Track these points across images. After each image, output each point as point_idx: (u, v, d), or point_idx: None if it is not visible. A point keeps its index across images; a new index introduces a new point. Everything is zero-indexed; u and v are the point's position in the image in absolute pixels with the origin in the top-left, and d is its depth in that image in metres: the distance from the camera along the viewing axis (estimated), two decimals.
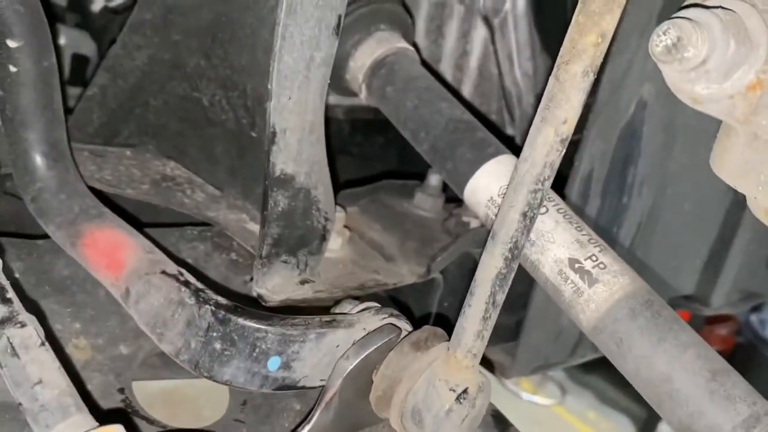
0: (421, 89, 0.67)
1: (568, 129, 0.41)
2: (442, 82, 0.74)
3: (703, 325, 2.06)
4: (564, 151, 0.43)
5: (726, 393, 0.47)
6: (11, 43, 0.55)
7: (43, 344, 0.42)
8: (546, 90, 0.41)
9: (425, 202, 0.86)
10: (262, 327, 0.49)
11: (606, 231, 0.84)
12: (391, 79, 0.69)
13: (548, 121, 0.41)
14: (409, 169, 0.99)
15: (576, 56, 0.39)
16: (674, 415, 0.49)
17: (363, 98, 0.73)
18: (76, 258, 0.59)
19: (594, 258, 0.55)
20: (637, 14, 0.71)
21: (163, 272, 0.53)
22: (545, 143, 0.41)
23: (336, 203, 0.76)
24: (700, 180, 0.91)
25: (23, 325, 0.42)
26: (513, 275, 0.47)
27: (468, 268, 0.83)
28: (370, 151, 1.14)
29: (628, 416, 4.51)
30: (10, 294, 0.44)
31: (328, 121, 0.66)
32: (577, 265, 0.55)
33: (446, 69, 0.95)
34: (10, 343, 0.40)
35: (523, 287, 0.86)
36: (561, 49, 0.40)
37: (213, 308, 0.50)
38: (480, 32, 0.92)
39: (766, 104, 0.39)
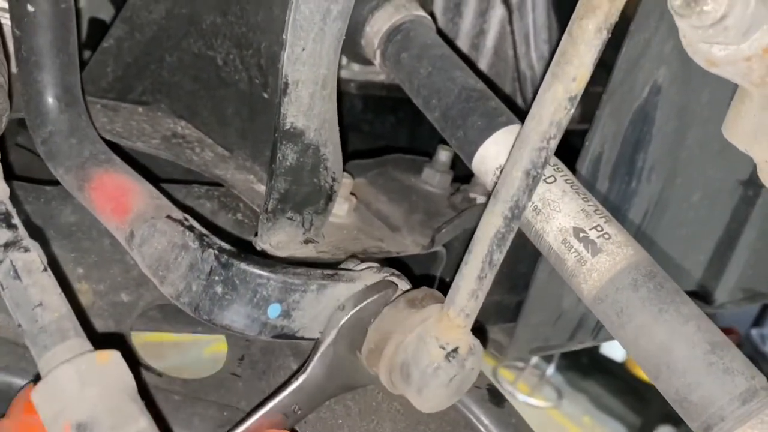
0: (435, 57, 0.67)
1: (577, 87, 0.41)
2: (459, 55, 0.74)
3: None
4: (573, 110, 0.43)
5: (724, 366, 0.47)
6: None
7: (45, 270, 0.42)
8: (559, 46, 0.41)
9: (433, 178, 0.86)
10: (264, 273, 0.49)
11: (613, 215, 0.84)
12: (406, 45, 0.68)
13: (558, 77, 0.41)
14: (419, 148, 0.99)
15: (590, 11, 0.39)
16: (671, 386, 0.49)
17: (377, 65, 0.73)
18: (83, 202, 0.59)
19: (599, 228, 0.54)
20: None
21: (169, 217, 0.53)
22: (553, 100, 0.41)
23: (344, 171, 0.76)
24: (710, 172, 0.91)
25: (27, 250, 0.42)
26: (512, 236, 0.47)
27: None
28: (381, 130, 1.14)
29: (623, 424, 4.50)
30: (15, 220, 0.44)
31: (340, 95, 0.66)
32: (581, 235, 0.54)
33: (462, 48, 0.95)
34: (13, 266, 0.41)
35: (526, 267, 0.86)
36: (577, 3, 0.40)
37: (216, 252, 0.50)
38: (498, 12, 0.92)
39: None
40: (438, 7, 0.93)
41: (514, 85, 0.97)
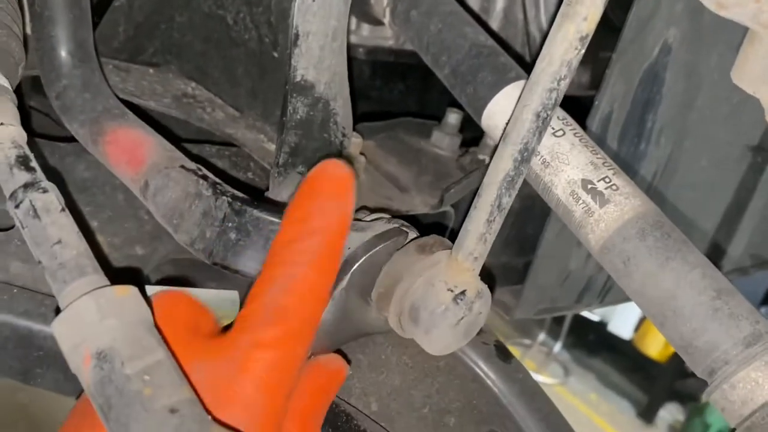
0: (445, 13, 0.67)
1: (588, 27, 0.42)
2: (469, 11, 0.74)
3: None
4: (583, 51, 0.43)
5: (729, 311, 0.48)
6: None
7: (63, 210, 0.43)
8: None
9: (442, 141, 0.86)
10: (277, 220, 0.50)
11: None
12: (415, 2, 0.69)
13: (569, 16, 0.41)
14: (428, 114, 0.99)
15: None
16: (677, 332, 0.50)
17: (386, 23, 0.73)
18: (97, 155, 0.60)
19: (607, 179, 0.55)
20: None
21: (182, 167, 0.54)
22: (564, 40, 0.42)
23: (354, 131, 0.76)
24: (719, 137, 0.91)
25: (45, 191, 0.43)
26: (521, 180, 0.48)
27: None
28: (390, 96, 1.14)
29: (629, 401, 4.53)
30: (33, 163, 0.45)
31: (350, 61, 0.66)
32: (589, 186, 0.55)
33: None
34: (33, 206, 0.42)
35: (533, 229, 0.87)
36: None
37: (229, 200, 0.50)
38: None
39: None
40: None
41: (524, 50, 0.97)
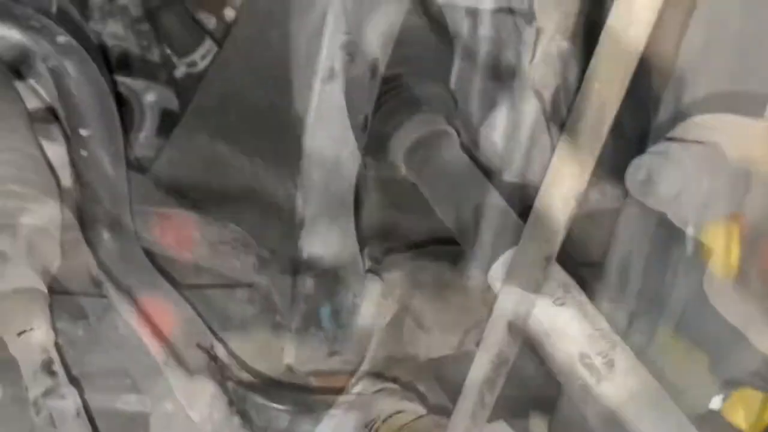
0: (454, 174, 0.70)
1: (551, 248, 0.43)
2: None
3: None
4: (550, 266, 0.45)
5: None
6: (83, 132, 0.63)
7: (78, 416, 0.47)
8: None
9: (468, 270, 0.88)
10: (278, 406, 0.53)
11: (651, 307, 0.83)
12: (427, 161, 0.72)
13: (533, 238, 0.43)
14: None
15: None
16: None
17: (405, 174, 0.76)
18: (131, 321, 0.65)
19: (604, 355, 0.55)
20: None
21: (198, 345, 0.58)
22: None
23: (377, 272, 0.79)
24: None
25: (63, 397, 0.48)
26: (502, 380, 0.49)
27: None
28: None
29: None
30: (56, 366, 0.50)
31: None
32: (587, 361, 0.56)
33: None
34: (50, 415, 0.47)
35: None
36: None
37: (234, 384, 0.54)
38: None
39: None
40: None
41: None
